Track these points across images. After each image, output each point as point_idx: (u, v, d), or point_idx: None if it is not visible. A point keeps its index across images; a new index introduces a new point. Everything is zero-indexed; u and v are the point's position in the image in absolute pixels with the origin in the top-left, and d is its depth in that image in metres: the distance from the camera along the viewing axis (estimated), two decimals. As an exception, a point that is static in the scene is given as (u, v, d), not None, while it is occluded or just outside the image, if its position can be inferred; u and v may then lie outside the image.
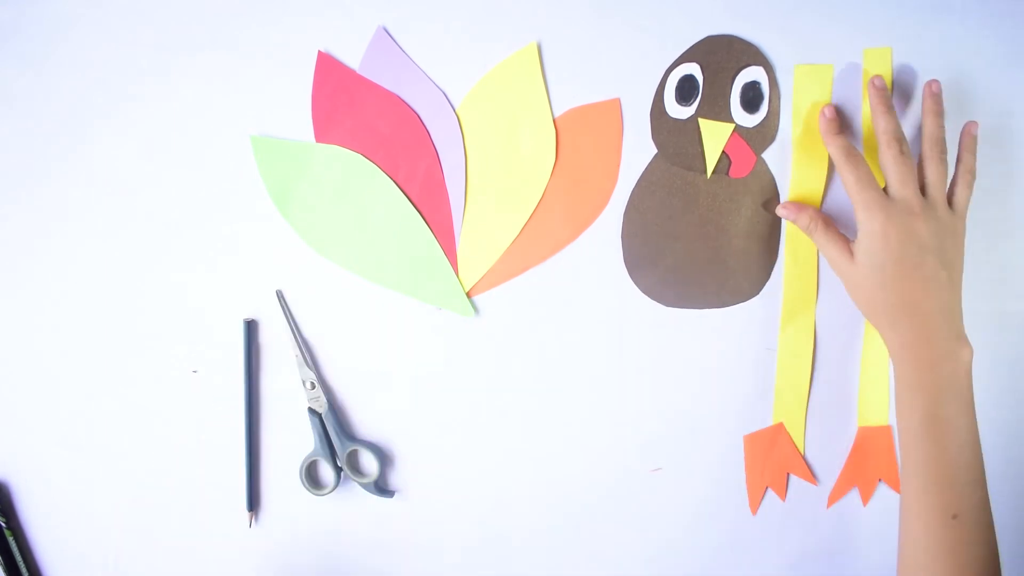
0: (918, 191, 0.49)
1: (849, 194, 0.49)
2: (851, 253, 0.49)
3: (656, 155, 0.58)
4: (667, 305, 0.59)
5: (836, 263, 0.50)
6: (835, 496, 0.61)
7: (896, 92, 0.58)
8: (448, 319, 0.59)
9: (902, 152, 0.50)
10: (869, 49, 0.58)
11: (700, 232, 0.59)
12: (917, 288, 0.46)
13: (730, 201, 0.58)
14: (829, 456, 0.61)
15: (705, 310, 0.59)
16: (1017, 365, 0.61)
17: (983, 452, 0.61)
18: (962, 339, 0.48)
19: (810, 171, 0.57)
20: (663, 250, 0.59)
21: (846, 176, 0.49)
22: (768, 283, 0.59)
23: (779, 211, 0.52)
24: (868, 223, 0.47)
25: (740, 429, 0.60)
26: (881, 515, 0.62)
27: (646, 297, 0.59)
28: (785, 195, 0.58)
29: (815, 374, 0.60)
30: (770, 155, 0.58)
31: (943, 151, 0.51)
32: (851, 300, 0.52)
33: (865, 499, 0.61)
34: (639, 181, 0.58)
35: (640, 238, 0.59)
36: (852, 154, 0.50)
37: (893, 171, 0.49)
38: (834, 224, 0.50)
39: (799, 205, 0.51)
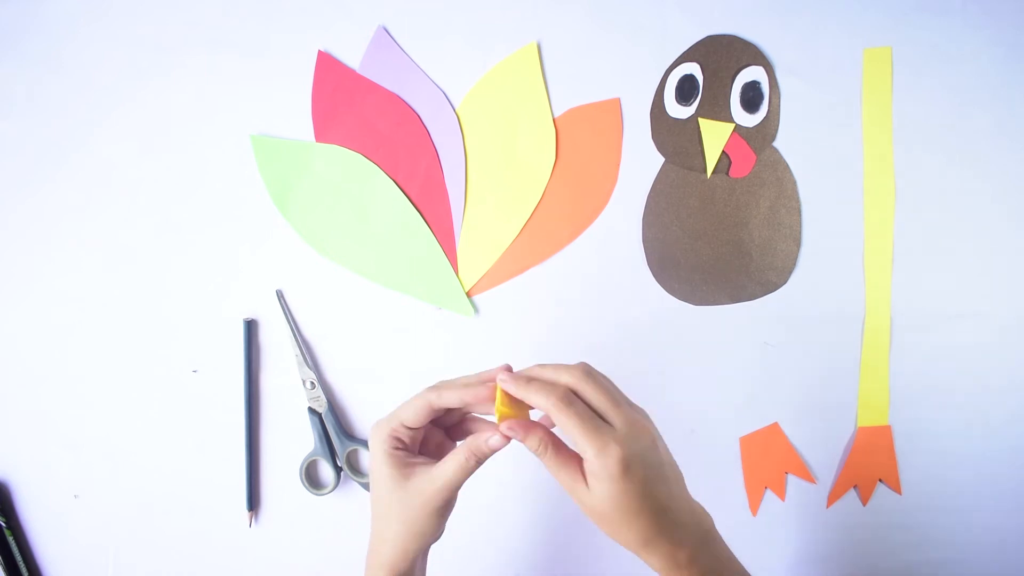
0: (627, 401, 0.44)
1: (576, 440, 0.41)
2: (585, 481, 0.41)
3: (667, 160, 0.58)
4: (695, 304, 0.59)
5: (571, 490, 0.42)
6: (835, 496, 0.61)
7: (896, 92, 0.58)
8: (448, 319, 0.59)
9: (586, 376, 0.43)
10: (869, 49, 0.58)
11: (721, 228, 0.59)
12: (660, 505, 0.42)
13: (747, 194, 0.58)
14: (829, 456, 0.61)
15: (728, 305, 0.60)
16: (1017, 365, 0.61)
17: (978, 452, 0.62)
18: (701, 514, 0.44)
19: None
20: (686, 250, 0.59)
21: (567, 422, 0.41)
22: (795, 272, 0.59)
23: (505, 429, 0.42)
24: (604, 465, 0.40)
25: (742, 429, 0.60)
26: (881, 515, 0.62)
27: (671, 297, 0.59)
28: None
29: (815, 374, 0.60)
30: (782, 144, 0.58)
31: (586, 376, 0.43)
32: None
33: (865, 499, 0.61)
34: (654, 185, 0.58)
35: (661, 241, 0.59)
36: (560, 394, 0.42)
37: (599, 402, 0.42)
38: (565, 446, 0.42)
39: (527, 425, 0.42)
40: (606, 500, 0.41)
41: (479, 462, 0.44)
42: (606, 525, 0.42)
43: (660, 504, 0.41)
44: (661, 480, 0.42)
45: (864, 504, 0.61)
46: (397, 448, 0.44)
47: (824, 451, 0.61)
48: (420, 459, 0.45)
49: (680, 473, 0.44)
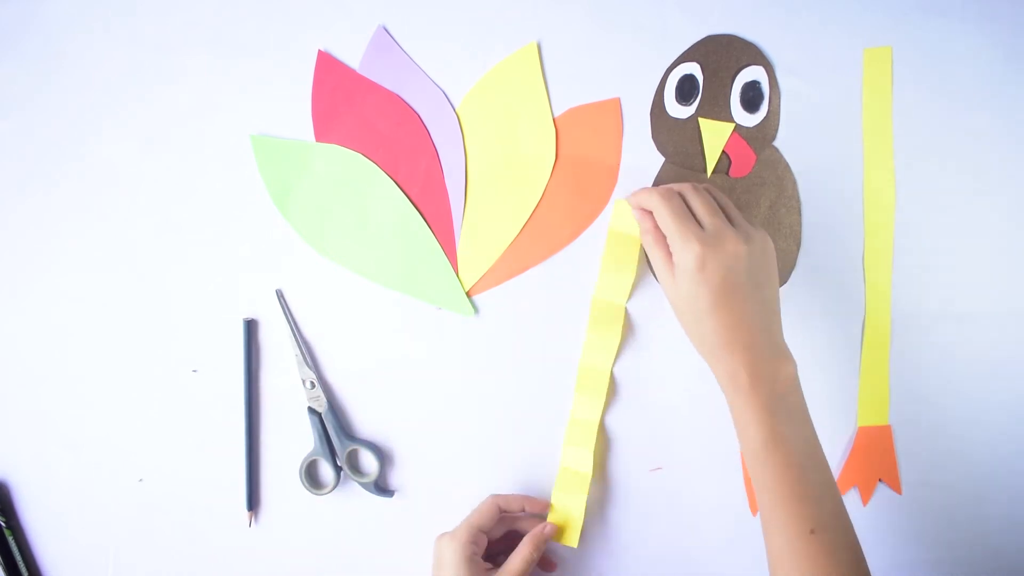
0: (726, 220, 0.48)
1: (665, 228, 0.48)
2: (671, 269, 0.48)
3: (667, 160, 0.58)
4: None
5: (660, 274, 0.49)
6: (835, 496, 0.61)
7: (896, 92, 0.58)
8: (448, 319, 0.59)
9: (695, 189, 0.50)
10: (869, 49, 0.58)
11: None
12: (733, 316, 0.45)
13: (747, 194, 0.59)
14: (829, 456, 0.61)
15: None
16: (1018, 365, 0.61)
17: (978, 452, 0.62)
18: (783, 356, 0.47)
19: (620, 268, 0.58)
20: None
21: (662, 210, 0.48)
22: (795, 272, 0.59)
23: (632, 200, 0.53)
24: (685, 253, 0.46)
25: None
26: (881, 515, 0.62)
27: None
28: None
29: (815, 374, 0.60)
30: (782, 144, 0.58)
31: (697, 188, 0.51)
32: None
33: (865, 499, 0.61)
34: (654, 184, 0.58)
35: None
36: (667, 191, 0.49)
37: (697, 204, 0.49)
38: (663, 238, 0.49)
39: (640, 212, 0.52)
40: (681, 293, 0.46)
41: (539, 552, 0.53)
42: (680, 318, 0.49)
43: (731, 315, 0.45)
44: (738, 293, 0.46)
45: (864, 504, 0.61)
46: (475, 554, 0.52)
47: (824, 451, 0.61)
48: (487, 565, 0.53)
49: (774, 309, 0.48)
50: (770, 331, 0.47)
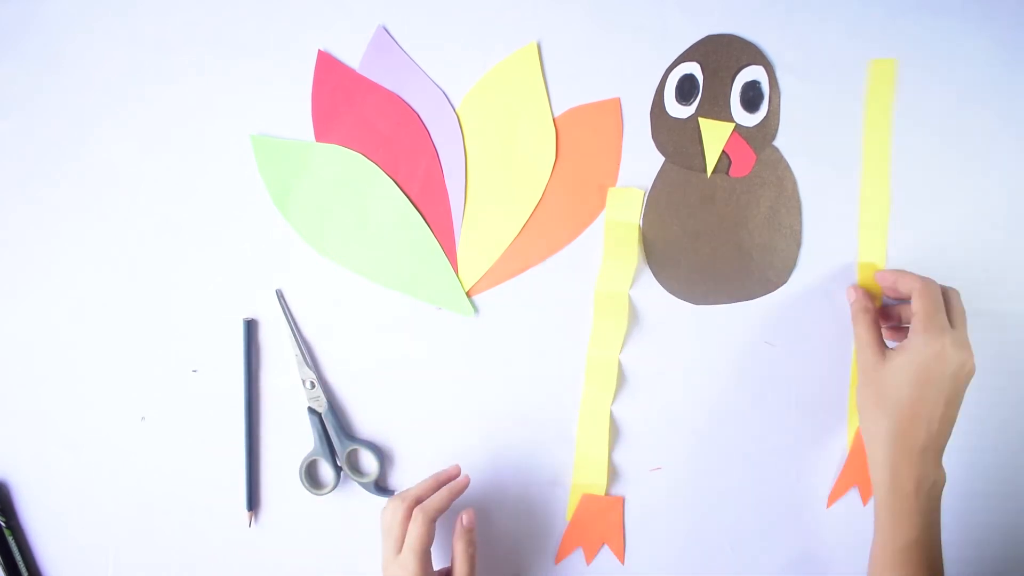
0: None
1: (918, 317, 0.49)
2: (883, 355, 0.50)
3: (667, 160, 0.58)
4: (695, 304, 0.59)
5: (866, 360, 0.52)
6: (835, 496, 0.61)
7: (896, 92, 0.58)
8: (448, 319, 0.59)
9: (954, 291, 0.52)
10: (875, 60, 0.58)
11: (721, 228, 0.59)
12: (931, 417, 0.48)
13: (747, 194, 0.59)
14: (829, 456, 0.61)
15: (728, 305, 0.60)
16: (1018, 365, 0.61)
17: (978, 452, 0.62)
18: (941, 467, 0.51)
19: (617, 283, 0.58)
20: (686, 249, 0.59)
21: (926, 292, 0.50)
22: (795, 272, 0.59)
23: (849, 288, 0.56)
24: (928, 344, 0.47)
25: (742, 428, 0.60)
26: (881, 515, 0.62)
27: (671, 297, 0.59)
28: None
29: (815, 374, 0.60)
30: (782, 144, 0.58)
31: (954, 291, 0.53)
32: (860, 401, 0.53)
33: (865, 499, 0.61)
34: (654, 185, 0.58)
35: (661, 241, 0.59)
36: (927, 287, 0.51)
37: (954, 303, 0.51)
38: (878, 323, 0.53)
39: (862, 292, 0.56)
40: (894, 378, 0.48)
41: (473, 543, 0.54)
42: (872, 398, 0.50)
43: (928, 416, 0.47)
44: (952, 404, 0.48)
45: (864, 504, 0.61)
46: (430, 573, 0.52)
47: (824, 451, 0.61)
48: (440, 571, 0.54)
49: (947, 431, 0.50)
50: (938, 445, 0.50)
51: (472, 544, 0.54)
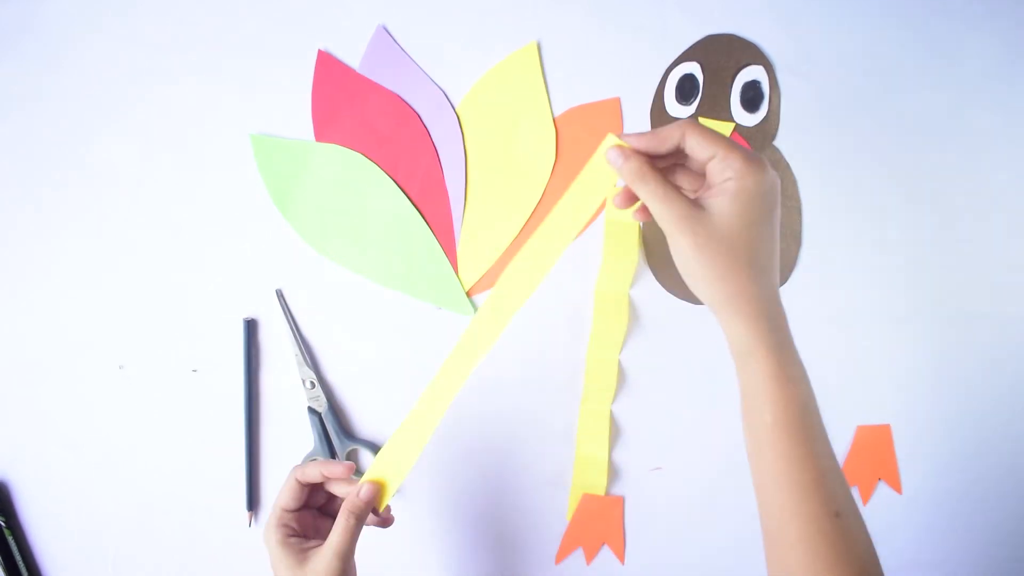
0: None
1: (713, 152, 0.40)
2: (701, 206, 0.40)
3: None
4: (696, 304, 0.59)
5: (680, 221, 0.40)
6: (835, 496, 0.61)
7: (896, 91, 0.58)
8: (448, 319, 0.59)
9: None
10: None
11: None
12: (774, 248, 0.41)
13: None
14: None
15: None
16: (1018, 365, 0.61)
17: (978, 452, 0.62)
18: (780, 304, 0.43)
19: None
20: None
21: (702, 138, 0.40)
22: (795, 272, 0.59)
23: (608, 154, 0.42)
24: (748, 175, 0.39)
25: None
26: (881, 515, 0.62)
27: (671, 297, 0.59)
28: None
29: (815, 374, 0.60)
30: (782, 144, 0.58)
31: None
32: (681, 272, 0.42)
33: (865, 499, 0.61)
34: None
35: (661, 241, 0.59)
36: (696, 125, 0.41)
37: (730, 143, 0.41)
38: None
39: (629, 150, 0.41)
40: (724, 214, 0.39)
41: (359, 520, 0.47)
42: (722, 252, 0.40)
43: (773, 249, 0.40)
44: (776, 227, 0.41)
45: (864, 504, 0.61)
46: (290, 536, 0.47)
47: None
48: (313, 543, 0.47)
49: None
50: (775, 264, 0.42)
51: (358, 519, 0.46)
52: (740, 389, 0.43)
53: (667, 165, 0.43)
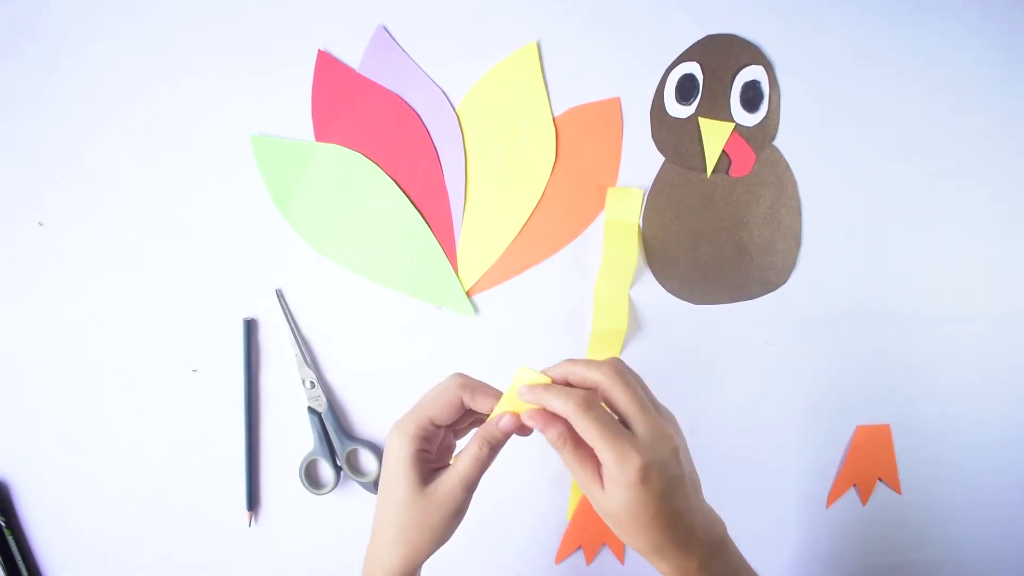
0: (656, 406, 0.43)
1: (592, 442, 0.39)
2: (601, 482, 0.40)
3: (667, 159, 0.58)
4: (695, 304, 0.59)
5: (587, 490, 0.41)
6: (835, 495, 0.61)
7: (896, 92, 0.58)
8: (448, 318, 0.59)
9: (615, 378, 0.41)
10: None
11: (721, 228, 0.59)
12: (679, 514, 0.40)
13: (747, 194, 0.59)
14: (828, 456, 0.61)
15: (728, 305, 0.60)
16: (1017, 365, 0.61)
17: (978, 452, 0.62)
18: (716, 522, 0.43)
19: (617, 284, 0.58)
20: (686, 249, 0.59)
21: (584, 423, 0.39)
22: (795, 272, 0.59)
23: (526, 419, 0.42)
24: (625, 468, 0.38)
25: (742, 428, 0.60)
26: (881, 515, 0.62)
27: (671, 297, 0.59)
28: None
29: (815, 374, 0.60)
30: (782, 144, 0.58)
31: (616, 375, 0.42)
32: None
33: (864, 499, 0.61)
34: (654, 184, 0.58)
35: (661, 241, 0.59)
36: (583, 398, 0.40)
37: (622, 401, 0.41)
38: (585, 444, 0.40)
39: (549, 417, 0.41)
40: (621, 506, 0.39)
41: (493, 451, 0.43)
42: (618, 529, 0.41)
43: (675, 513, 0.40)
44: (679, 490, 0.41)
45: (864, 504, 0.61)
46: (425, 451, 0.43)
47: (824, 451, 0.61)
48: (437, 463, 0.44)
49: (698, 481, 0.43)
50: (701, 507, 0.42)
51: (492, 450, 0.43)
52: None
53: None
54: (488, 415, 0.43)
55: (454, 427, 0.45)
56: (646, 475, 0.39)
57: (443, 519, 0.42)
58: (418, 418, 0.43)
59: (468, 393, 0.43)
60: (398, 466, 0.42)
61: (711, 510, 0.43)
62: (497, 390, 0.44)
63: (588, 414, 0.39)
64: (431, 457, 0.44)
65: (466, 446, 0.43)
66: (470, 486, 0.43)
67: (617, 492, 0.39)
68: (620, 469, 0.39)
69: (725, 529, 0.43)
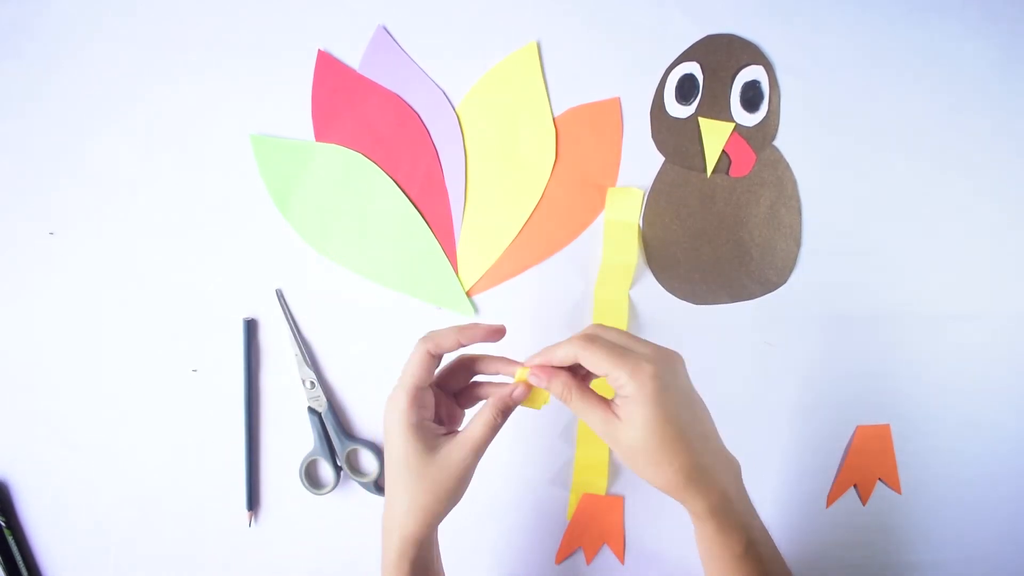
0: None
1: (605, 371, 0.41)
2: (616, 416, 0.41)
3: (667, 159, 0.58)
4: (695, 304, 0.59)
5: (604, 431, 0.42)
6: (834, 496, 0.61)
7: (896, 92, 0.58)
8: (448, 319, 0.59)
9: (600, 327, 0.44)
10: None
11: (721, 228, 0.59)
12: (701, 433, 0.41)
13: (747, 194, 0.59)
14: (828, 456, 0.61)
15: (728, 305, 0.60)
16: (1018, 365, 0.61)
17: (978, 452, 0.62)
18: (732, 458, 0.44)
19: (618, 281, 0.58)
20: (686, 249, 0.59)
21: (592, 359, 0.41)
22: (795, 272, 0.59)
23: (530, 379, 0.43)
24: (640, 385, 0.39)
25: (742, 428, 0.60)
26: (881, 515, 0.62)
27: (671, 297, 0.59)
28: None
29: (815, 374, 0.60)
30: (782, 144, 0.58)
31: (600, 326, 0.44)
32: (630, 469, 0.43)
33: (864, 498, 0.61)
34: (654, 184, 0.58)
35: (661, 241, 0.59)
36: (590, 339, 0.42)
37: (620, 339, 0.43)
38: (590, 389, 0.42)
39: (551, 371, 0.43)
40: (644, 428, 0.40)
41: (504, 416, 0.44)
42: (644, 460, 0.41)
43: (699, 435, 0.41)
44: (696, 409, 0.42)
45: (864, 504, 0.61)
46: (424, 419, 0.44)
47: (823, 451, 0.61)
48: (441, 429, 0.45)
49: (708, 411, 0.44)
50: (718, 436, 0.43)
51: (503, 416, 0.44)
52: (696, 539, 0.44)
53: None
54: (453, 348, 0.45)
55: (457, 397, 0.48)
56: (663, 384, 0.40)
57: (457, 482, 0.44)
58: (404, 387, 0.44)
59: (432, 343, 0.44)
60: (400, 438, 0.44)
61: (725, 447, 0.44)
62: (453, 325, 0.45)
63: (592, 343, 0.41)
64: (435, 424, 0.45)
65: (479, 412, 0.44)
66: (481, 449, 0.44)
67: (637, 414, 0.40)
68: (636, 383, 0.40)
69: (740, 468, 0.44)
